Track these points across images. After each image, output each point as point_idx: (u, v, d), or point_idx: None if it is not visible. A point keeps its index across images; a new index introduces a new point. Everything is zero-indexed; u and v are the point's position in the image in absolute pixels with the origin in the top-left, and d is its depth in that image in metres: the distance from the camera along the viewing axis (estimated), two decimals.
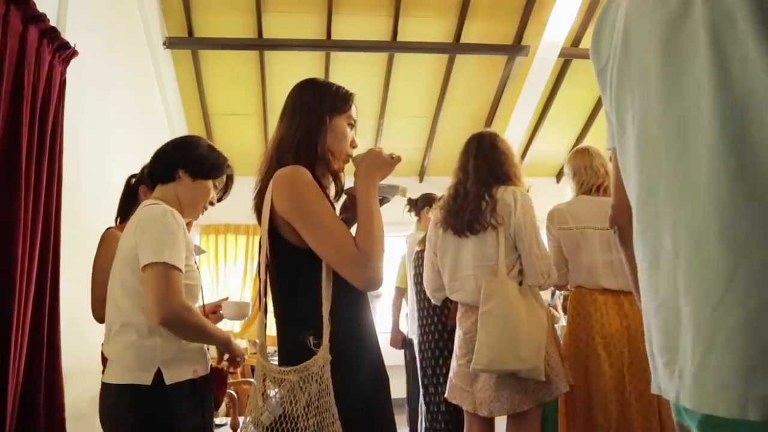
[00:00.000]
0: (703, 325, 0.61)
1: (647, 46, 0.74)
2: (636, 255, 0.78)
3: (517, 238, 2.26)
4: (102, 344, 1.67)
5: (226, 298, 2.26)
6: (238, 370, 5.03)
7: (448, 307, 2.82)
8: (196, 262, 2.16)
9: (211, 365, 1.73)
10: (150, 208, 1.60)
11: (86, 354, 2.83)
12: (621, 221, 0.91)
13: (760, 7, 0.59)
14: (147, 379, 1.48)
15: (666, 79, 0.70)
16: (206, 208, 1.81)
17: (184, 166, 1.70)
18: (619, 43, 0.79)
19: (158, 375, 1.48)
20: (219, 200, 1.83)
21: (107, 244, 2.04)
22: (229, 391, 3.49)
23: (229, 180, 1.83)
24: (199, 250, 2.35)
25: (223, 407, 3.67)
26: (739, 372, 0.58)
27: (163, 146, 1.77)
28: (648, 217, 0.74)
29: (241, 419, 3.44)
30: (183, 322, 1.49)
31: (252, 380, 5.03)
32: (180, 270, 1.51)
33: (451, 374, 2.44)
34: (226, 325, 5.31)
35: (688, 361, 0.63)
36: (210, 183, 1.75)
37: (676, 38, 0.69)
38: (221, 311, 2.04)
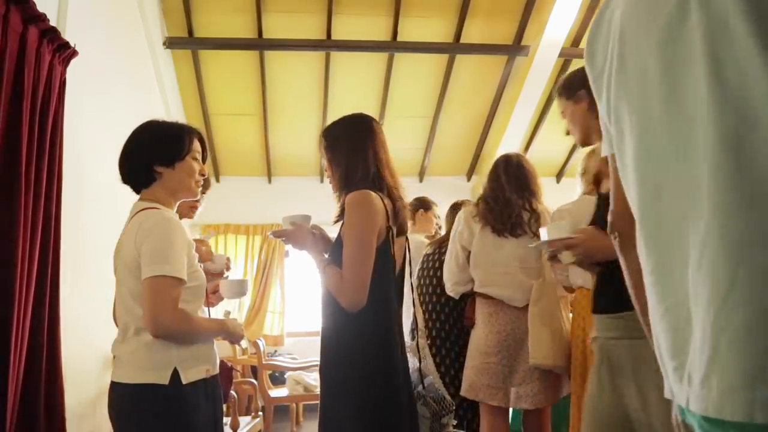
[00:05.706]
0: (708, 330, 0.62)
1: (645, 54, 0.73)
2: (641, 259, 0.78)
3: None
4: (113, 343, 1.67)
5: (226, 277, 2.25)
6: (239, 368, 5.03)
7: (449, 307, 2.84)
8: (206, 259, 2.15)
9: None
10: (147, 214, 1.58)
11: (86, 354, 2.83)
12: (622, 227, 0.88)
13: (751, 9, 0.59)
14: (164, 379, 1.50)
15: (666, 87, 0.70)
16: (200, 183, 1.71)
17: (157, 160, 1.63)
18: (615, 51, 0.79)
19: (174, 375, 1.51)
20: (203, 160, 1.73)
21: None
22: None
23: (201, 142, 1.74)
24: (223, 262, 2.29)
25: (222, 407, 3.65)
26: (745, 375, 0.58)
27: (123, 151, 1.67)
28: (651, 223, 0.74)
29: (241, 419, 3.45)
30: (174, 336, 1.52)
31: (252, 380, 4.98)
32: (179, 278, 1.51)
33: (470, 372, 2.54)
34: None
35: (696, 365, 0.64)
36: (188, 159, 1.66)
37: (674, 46, 0.68)
38: (219, 290, 2.02)
